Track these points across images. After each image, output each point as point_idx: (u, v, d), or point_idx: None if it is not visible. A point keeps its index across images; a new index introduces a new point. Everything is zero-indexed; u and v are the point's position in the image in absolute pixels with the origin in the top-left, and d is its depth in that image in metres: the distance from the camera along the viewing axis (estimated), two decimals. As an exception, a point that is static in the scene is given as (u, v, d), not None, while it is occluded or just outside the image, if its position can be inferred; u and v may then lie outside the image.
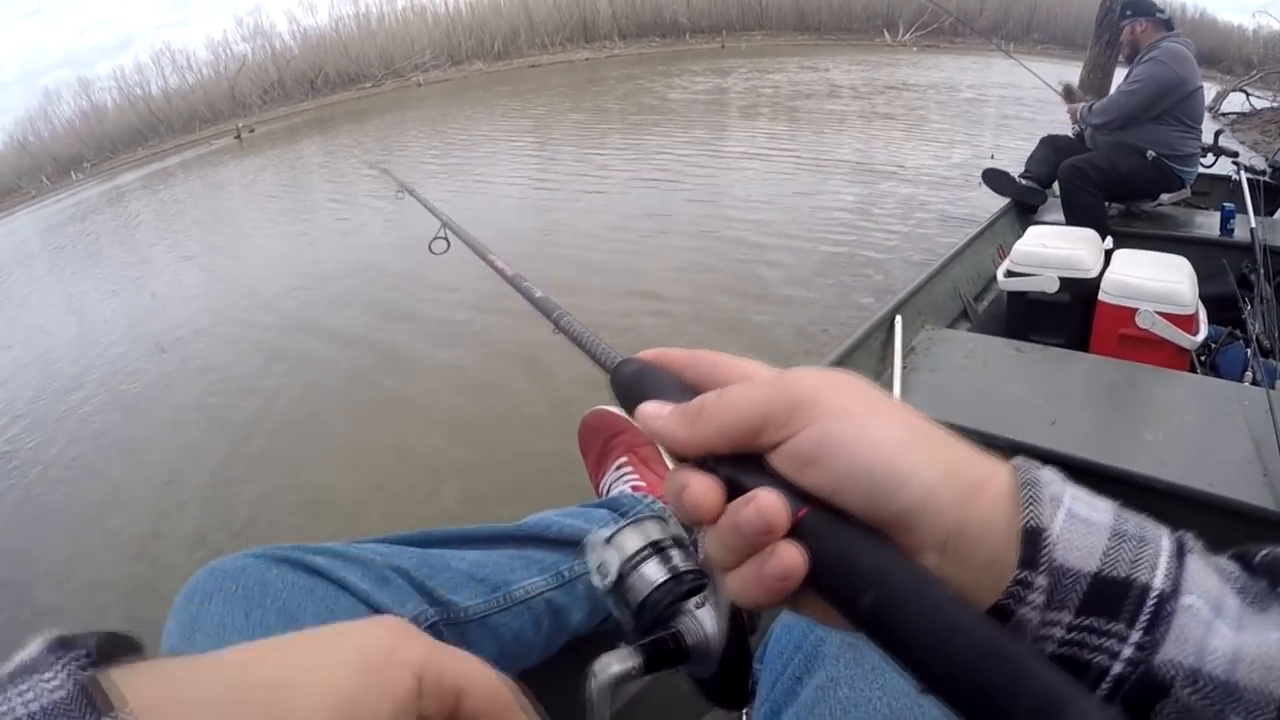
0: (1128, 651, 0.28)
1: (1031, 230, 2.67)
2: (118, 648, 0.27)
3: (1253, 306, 2.44)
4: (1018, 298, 2.49)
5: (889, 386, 1.88)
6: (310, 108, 22.54)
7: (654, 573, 0.48)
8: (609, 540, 0.51)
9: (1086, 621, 0.29)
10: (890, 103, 10.85)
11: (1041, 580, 0.29)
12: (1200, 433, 1.58)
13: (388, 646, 0.31)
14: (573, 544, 0.96)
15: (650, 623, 0.47)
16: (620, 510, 1.09)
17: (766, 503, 0.31)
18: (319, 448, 3.17)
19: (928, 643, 0.28)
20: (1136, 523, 0.31)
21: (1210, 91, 9.70)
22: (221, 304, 5.22)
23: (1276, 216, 3.44)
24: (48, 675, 0.24)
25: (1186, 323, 2.14)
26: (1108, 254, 2.46)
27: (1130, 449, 1.54)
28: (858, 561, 0.30)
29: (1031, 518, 0.30)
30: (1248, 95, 11.85)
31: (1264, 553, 0.32)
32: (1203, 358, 2.29)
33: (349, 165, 10.54)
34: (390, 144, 12.12)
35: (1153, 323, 2.12)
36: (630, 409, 0.40)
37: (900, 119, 9.61)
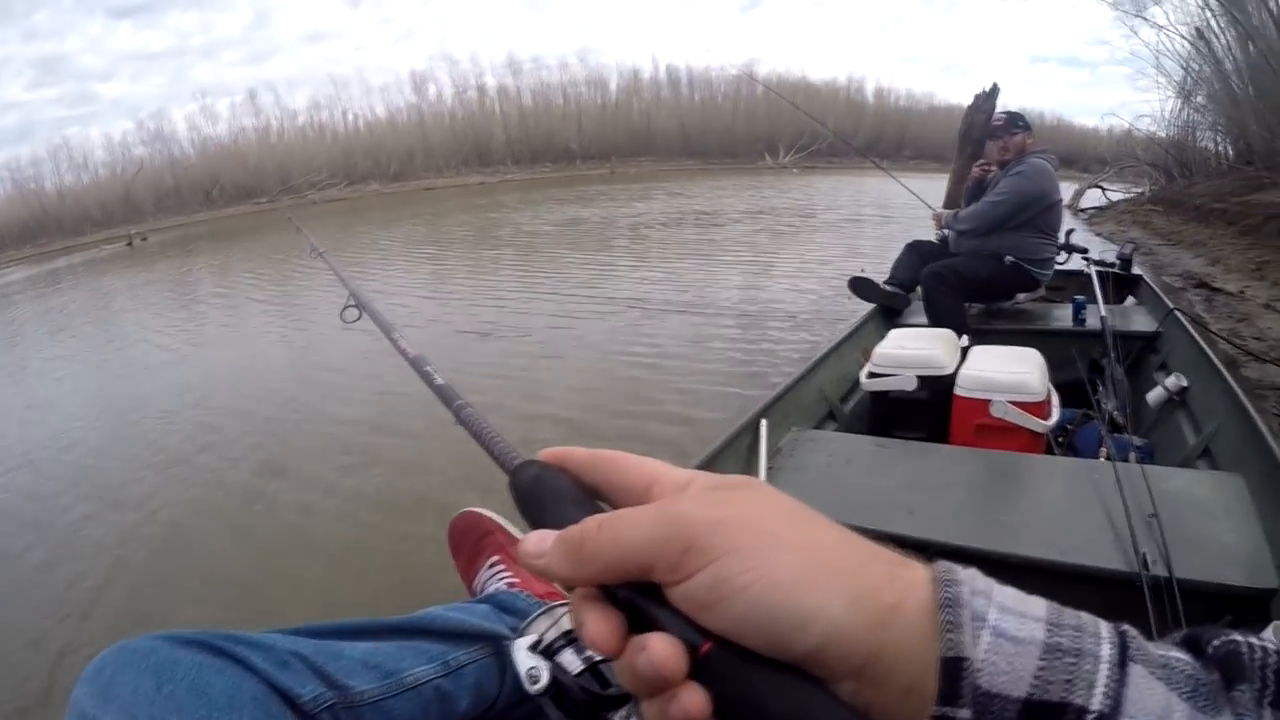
0: None
1: (892, 333, 2.78)
2: None
3: (1104, 388, 2.58)
4: (880, 397, 2.56)
5: (757, 485, 1.88)
6: (205, 219, 22.20)
7: (571, 662, 0.46)
8: (531, 647, 0.49)
9: None
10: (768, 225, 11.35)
11: (965, 713, 0.27)
12: (1054, 508, 1.63)
13: None
14: (458, 635, 0.98)
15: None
16: (499, 605, 1.11)
17: (659, 654, 0.29)
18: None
19: None
20: (1073, 631, 0.29)
21: (1068, 190, 10.50)
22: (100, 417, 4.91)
23: (1126, 304, 3.71)
24: None
25: (1038, 409, 2.23)
26: (964, 351, 2.58)
27: (986, 530, 1.57)
28: (765, 705, 0.28)
29: (951, 647, 0.28)
30: (1104, 190, 12.94)
31: (1218, 642, 0.30)
32: (1060, 439, 2.38)
33: (240, 278, 10.32)
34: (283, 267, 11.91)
35: (1005, 411, 2.20)
36: (530, 521, 0.38)
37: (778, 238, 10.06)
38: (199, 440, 4.17)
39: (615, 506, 0.36)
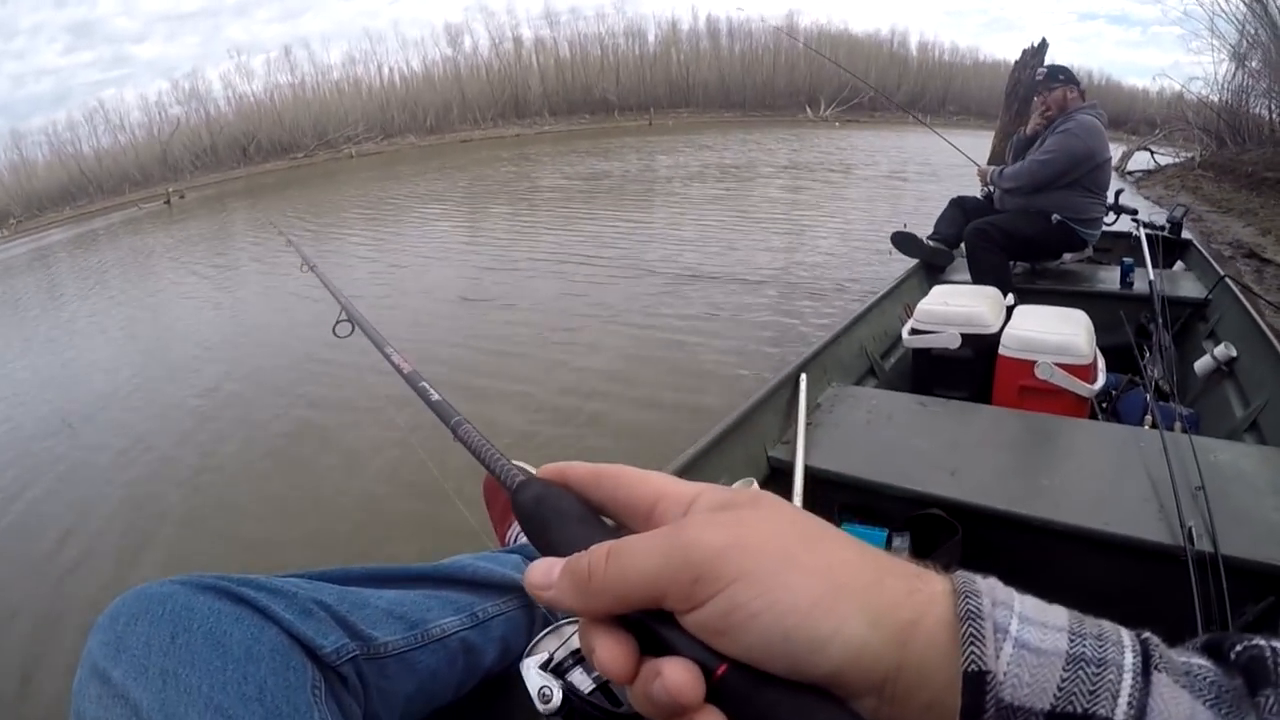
0: None
1: (936, 289, 2.73)
2: None
3: (1151, 354, 2.52)
4: (922, 354, 2.52)
5: (793, 443, 1.87)
6: (242, 175, 22.40)
7: (581, 681, 0.45)
8: (541, 666, 0.48)
9: None
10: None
11: None
12: (1098, 475, 1.59)
13: None
14: (487, 586, 0.98)
15: None
16: (531, 556, 1.11)
17: (674, 680, 0.28)
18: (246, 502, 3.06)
19: None
20: (1095, 641, 0.28)
21: (1116, 151, 10.24)
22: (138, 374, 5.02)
23: (1175, 268, 3.60)
24: None
25: (1084, 372, 2.18)
26: (1009, 310, 2.52)
27: (1028, 494, 1.54)
28: None
29: (973, 660, 0.27)
30: (1152, 153, 12.60)
31: (1240, 647, 0.29)
32: (1104, 405, 2.33)
33: (277, 239, 10.42)
34: (322, 220, 11.99)
35: (1051, 373, 2.16)
36: (534, 541, 0.37)
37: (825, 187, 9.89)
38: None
39: (620, 523, 0.36)
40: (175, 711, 0.61)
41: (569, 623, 0.46)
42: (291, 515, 2.91)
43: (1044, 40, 9.19)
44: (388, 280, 6.69)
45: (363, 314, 1.10)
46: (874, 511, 1.67)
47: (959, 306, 2.49)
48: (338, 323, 1.13)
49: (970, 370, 2.41)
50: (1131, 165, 12.03)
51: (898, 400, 2.09)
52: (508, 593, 0.99)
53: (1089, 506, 1.48)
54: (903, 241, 3.78)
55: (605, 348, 4.37)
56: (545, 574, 0.33)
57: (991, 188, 3.80)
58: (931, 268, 3.68)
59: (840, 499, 1.73)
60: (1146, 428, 1.98)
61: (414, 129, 26.15)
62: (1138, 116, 18.86)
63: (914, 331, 2.52)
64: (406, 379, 0.70)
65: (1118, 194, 3.86)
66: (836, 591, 0.29)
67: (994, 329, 2.39)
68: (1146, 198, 8.70)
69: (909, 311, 2.64)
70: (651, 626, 0.31)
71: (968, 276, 3.39)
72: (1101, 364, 2.30)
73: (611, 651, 0.31)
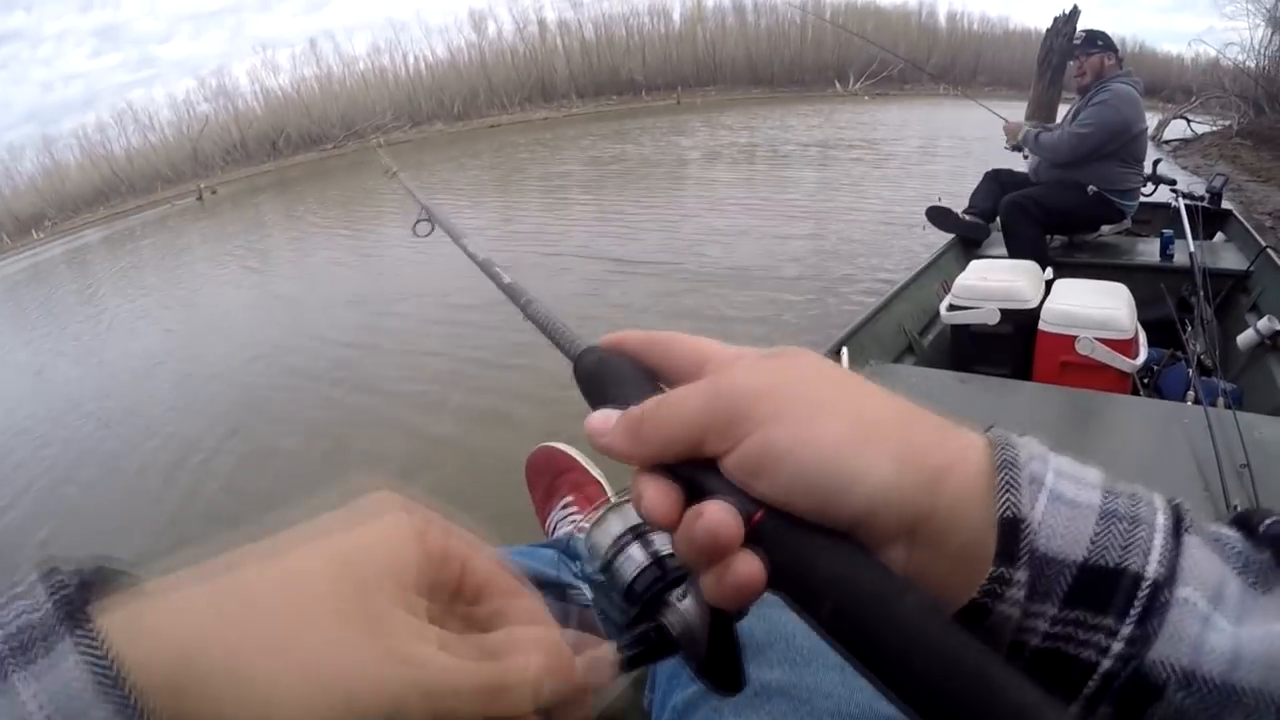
0: (1117, 647, 0.26)
1: (973, 264, 2.71)
2: (110, 574, 0.27)
3: (1193, 328, 2.48)
4: (961, 330, 2.51)
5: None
6: (272, 168, 22.61)
7: (638, 556, 0.47)
8: (596, 524, 0.50)
9: (1073, 614, 0.27)
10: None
11: (1021, 575, 0.27)
12: (1141, 452, 1.59)
13: (403, 520, 0.32)
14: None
15: (636, 615, 0.45)
16: (566, 551, 1.09)
17: (714, 519, 0.29)
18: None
19: (890, 654, 0.26)
20: (1128, 499, 0.29)
21: (1152, 120, 10.02)
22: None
23: (1215, 240, 3.53)
24: (24, 600, 0.24)
25: (1126, 347, 2.16)
26: (1048, 284, 2.50)
27: None
28: (815, 568, 0.29)
29: (1009, 506, 0.28)
30: (1189, 122, 12.29)
31: (1270, 520, 0.29)
32: (1145, 380, 2.31)
33: (310, 225, 10.53)
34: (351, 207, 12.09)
35: (1092, 349, 2.14)
36: (592, 403, 0.39)
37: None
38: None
39: (671, 384, 0.37)
40: None
41: (627, 501, 0.46)
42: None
43: (1075, 7, 8.95)
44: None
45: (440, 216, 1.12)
46: None
47: (997, 281, 2.48)
48: (417, 222, 1.15)
49: (1010, 346, 2.40)
50: (1167, 134, 11.73)
51: (937, 378, 2.08)
52: (541, 589, 0.97)
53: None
54: (938, 216, 3.74)
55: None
56: (604, 421, 0.35)
57: (1023, 147, 3.72)
58: (967, 242, 3.65)
59: None
60: (1189, 403, 1.96)
61: (441, 116, 26.19)
62: (1173, 84, 18.35)
63: (952, 308, 2.50)
64: (481, 265, 0.73)
65: (1155, 164, 3.79)
66: (866, 433, 0.30)
67: (1033, 304, 2.37)
68: (1184, 167, 8.48)
69: (946, 287, 2.62)
70: (695, 478, 0.32)
71: (1004, 251, 3.36)
72: (1143, 338, 2.28)
73: (659, 495, 0.32)
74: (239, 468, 3.32)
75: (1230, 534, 0.29)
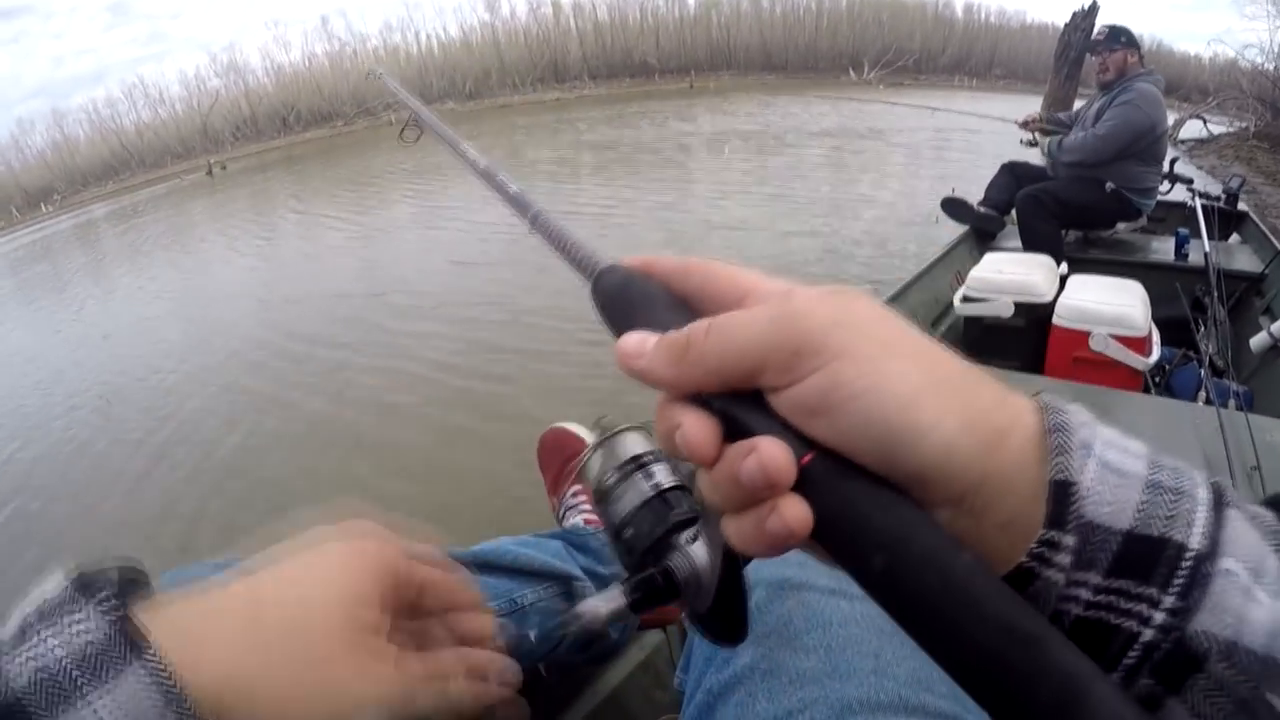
0: (1159, 617, 0.26)
1: (988, 257, 2.70)
2: (133, 582, 0.32)
3: (1206, 328, 2.48)
4: (974, 322, 2.50)
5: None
6: (282, 144, 22.55)
7: (636, 489, 0.45)
8: (597, 447, 0.49)
9: (1116, 584, 0.26)
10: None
11: (1070, 539, 0.27)
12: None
13: (366, 552, 0.37)
14: (526, 573, 0.95)
15: (640, 557, 0.44)
16: (573, 543, 1.08)
17: (770, 455, 0.27)
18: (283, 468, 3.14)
19: (941, 616, 0.26)
20: (1172, 471, 0.28)
21: (1169, 119, 9.92)
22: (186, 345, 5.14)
23: (1230, 241, 3.51)
24: (78, 616, 0.28)
25: (1139, 345, 2.16)
26: (1063, 279, 2.49)
27: None
28: (869, 520, 0.27)
29: (1060, 470, 0.27)
30: (1205, 122, 12.19)
31: None
32: (1157, 379, 2.31)
33: (320, 201, 10.51)
34: (360, 186, 12.06)
35: (1105, 345, 2.14)
36: (613, 327, 0.36)
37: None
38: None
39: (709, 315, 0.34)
40: None
41: (636, 428, 0.44)
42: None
43: (1094, 2, 8.90)
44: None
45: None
46: None
47: (1012, 274, 2.47)
48: (405, 127, 1.06)
49: (1023, 340, 2.40)
50: (1183, 134, 11.65)
51: None
52: (547, 580, 0.96)
53: None
54: (953, 207, 3.73)
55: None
56: (639, 343, 0.32)
57: (1044, 152, 3.70)
58: (982, 235, 3.64)
59: None
60: (1200, 404, 1.96)
61: (453, 95, 26.06)
62: (1189, 83, 18.21)
63: (966, 299, 2.50)
64: (482, 174, 0.65)
65: (1173, 163, 3.76)
66: (938, 385, 0.28)
67: (1048, 298, 2.37)
68: (1199, 167, 8.42)
69: (960, 279, 2.62)
70: (737, 413, 0.30)
71: (1018, 244, 3.34)
72: (1156, 337, 2.27)
73: (700, 425, 0.30)
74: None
75: (1267, 514, 0.29)
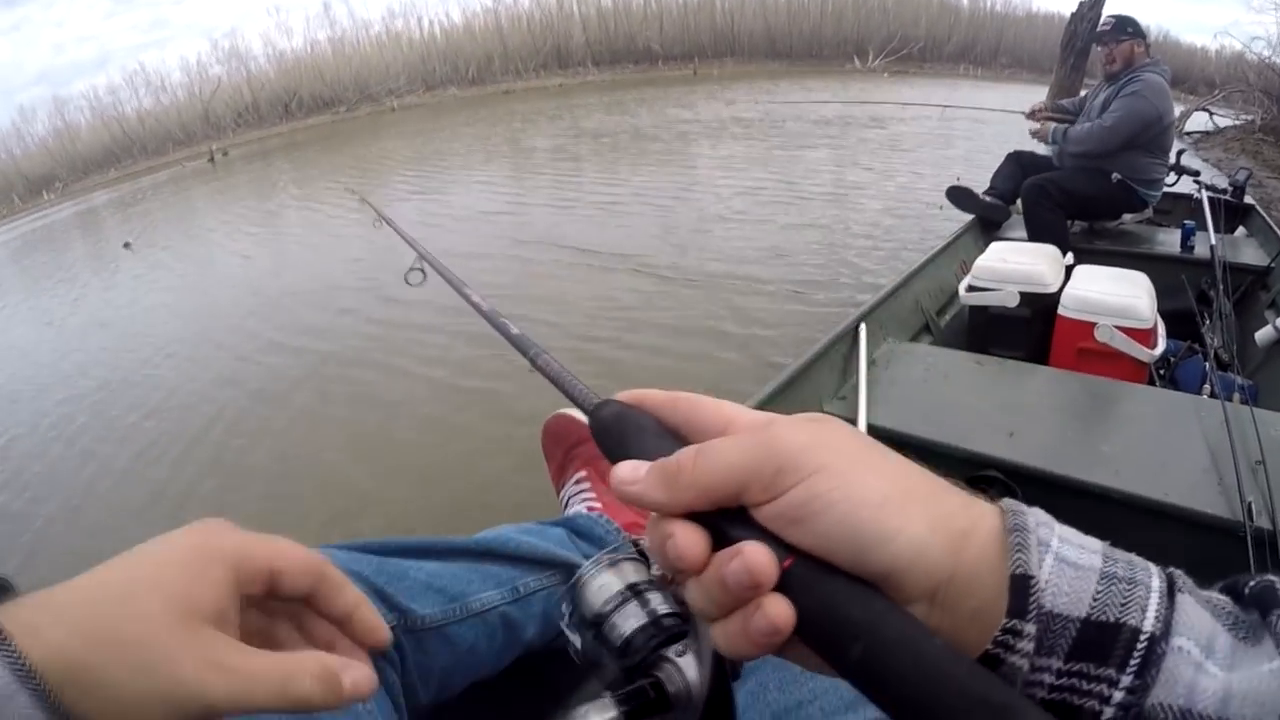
0: (1118, 696, 0.28)
1: (993, 246, 2.69)
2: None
3: (1211, 321, 2.47)
4: (979, 312, 2.50)
5: (853, 396, 1.87)
6: (284, 131, 22.50)
7: (634, 615, 0.47)
8: (586, 581, 0.51)
9: (1077, 667, 0.29)
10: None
11: (1030, 628, 0.29)
12: (1157, 444, 1.57)
13: (200, 544, 0.39)
14: (529, 560, 0.96)
15: (631, 670, 0.46)
16: (576, 530, 1.08)
17: (754, 558, 0.30)
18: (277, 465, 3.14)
19: (918, 693, 0.28)
20: (1126, 563, 0.31)
21: (1175, 111, 9.87)
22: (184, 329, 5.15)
23: (1236, 234, 3.50)
24: None
25: (1145, 337, 2.15)
26: (1068, 270, 2.48)
27: (1087, 460, 1.54)
28: (847, 613, 0.30)
29: (1020, 565, 0.30)
30: (1211, 115, 12.13)
31: (1253, 583, 0.32)
32: (1162, 371, 2.30)
33: (323, 191, 10.48)
34: (366, 170, 12.03)
35: (1111, 337, 2.13)
36: (609, 453, 0.39)
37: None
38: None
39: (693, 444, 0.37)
40: None
41: (628, 559, 0.47)
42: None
43: (1101, -9, 8.82)
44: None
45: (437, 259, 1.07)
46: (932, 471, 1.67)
47: (1018, 264, 2.46)
48: (410, 270, 1.11)
49: (1028, 330, 2.39)
50: (1189, 126, 11.59)
51: (955, 359, 2.07)
52: (550, 568, 0.97)
53: (1148, 475, 1.47)
54: (958, 196, 3.72)
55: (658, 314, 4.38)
56: (633, 470, 0.36)
57: (1051, 143, 3.68)
58: (987, 224, 3.63)
59: None
60: (1205, 397, 1.95)
61: (456, 81, 25.98)
62: (1196, 75, 18.12)
63: (971, 288, 2.49)
64: (485, 315, 0.71)
65: (1179, 154, 3.74)
66: (905, 494, 0.32)
67: (1053, 288, 2.36)
68: (1205, 160, 8.38)
69: (965, 268, 2.61)
70: (724, 526, 0.33)
71: (1024, 234, 3.33)
72: (1161, 329, 2.26)
73: (690, 539, 0.33)
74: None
75: (1220, 597, 0.32)
